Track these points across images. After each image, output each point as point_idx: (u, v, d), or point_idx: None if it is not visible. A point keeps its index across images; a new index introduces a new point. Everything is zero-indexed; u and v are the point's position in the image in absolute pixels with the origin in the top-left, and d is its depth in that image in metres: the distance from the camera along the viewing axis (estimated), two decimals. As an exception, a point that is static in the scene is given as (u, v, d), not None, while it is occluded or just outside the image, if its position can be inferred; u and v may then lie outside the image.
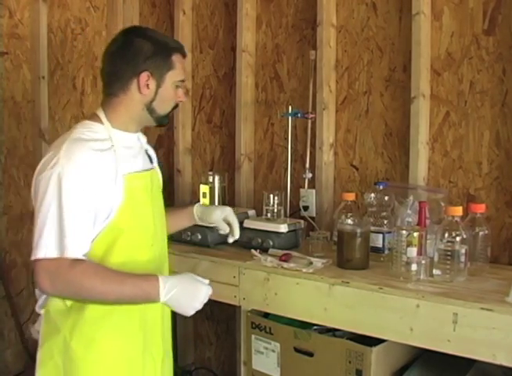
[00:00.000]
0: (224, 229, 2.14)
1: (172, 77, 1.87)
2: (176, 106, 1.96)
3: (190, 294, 1.76)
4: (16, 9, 3.27)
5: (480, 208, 2.13)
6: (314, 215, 2.85)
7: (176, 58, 1.88)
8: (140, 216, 1.86)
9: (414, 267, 2.02)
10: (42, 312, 1.85)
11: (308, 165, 2.86)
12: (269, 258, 2.30)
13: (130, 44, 1.84)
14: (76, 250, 1.69)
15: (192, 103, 3.40)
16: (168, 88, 1.87)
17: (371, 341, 2.05)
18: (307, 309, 2.16)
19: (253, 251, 2.38)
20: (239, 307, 2.39)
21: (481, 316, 1.76)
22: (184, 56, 1.93)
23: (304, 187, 2.87)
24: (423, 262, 2.03)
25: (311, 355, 2.20)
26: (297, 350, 2.24)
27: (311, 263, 2.24)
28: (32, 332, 1.97)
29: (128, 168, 1.82)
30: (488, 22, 2.39)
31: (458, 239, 2.01)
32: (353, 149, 2.80)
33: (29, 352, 3.37)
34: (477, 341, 1.77)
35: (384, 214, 2.39)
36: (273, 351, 2.31)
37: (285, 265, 2.24)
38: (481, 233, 2.12)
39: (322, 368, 2.17)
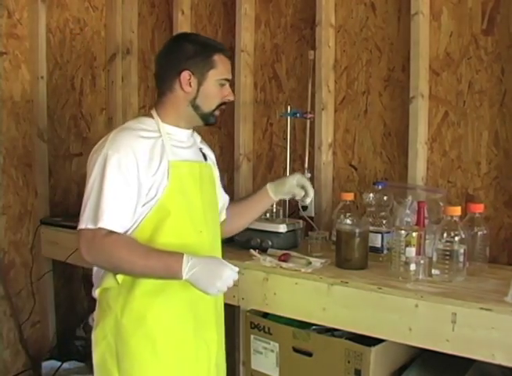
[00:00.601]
0: (299, 194, 2.28)
1: (214, 75, 2.00)
2: (222, 104, 2.06)
3: (212, 272, 1.83)
4: (15, 8, 3.27)
5: (478, 208, 2.13)
6: (313, 215, 2.85)
7: (218, 58, 2.01)
8: (187, 200, 1.97)
9: (413, 267, 2.02)
10: (97, 294, 1.99)
11: (306, 165, 2.86)
12: (268, 258, 2.30)
13: (175, 47, 2.04)
14: (113, 223, 1.84)
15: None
16: (211, 86, 2.00)
17: (370, 341, 2.05)
18: (306, 309, 2.16)
19: (252, 251, 2.38)
20: (238, 307, 2.38)
21: (480, 316, 1.76)
22: (227, 56, 2.05)
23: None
24: (422, 261, 2.02)
25: (310, 355, 2.20)
26: (296, 350, 2.24)
27: (310, 263, 2.24)
28: (89, 320, 2.12)
29: (175, 155, 1.97)
30: (486, 22, 2.39)
31: (457, 239, 2.01)
32: (352, 149, 2.80)
33: (27, 352, 3.37)
34: (476, 341, 1.76)
35: (383, 214, 2.38)
36: (272, 351, 2.31)
37: (284, 265, 2.24)
38: (479, 233, 2.12)
39: (321, 368, 2.17)
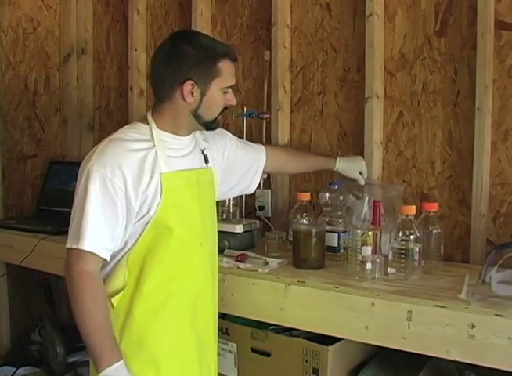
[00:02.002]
0: (359, 180, 2.43)
1: (218, 84, 1.87)
2: (225, 109, 1.94)
3: None
4: (-34, 7, 3.21)
5: (433, 207, 2.16)
6: (269, 215, 2.85)
7: (223, 64, 1.86)
8: (183, 214, 1.88)
9: (369, 266, 2.03)
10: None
11: (263, 165, 2.86)
12: (225, 259, 2.29)
13: (175, 50, 1.86)
14: (94, 245, 1.73)
15: (146, 104, 3.37)
16: (214, 96, 1.88)
17: (327, 340, 2.06)
18: (263, 310, 2.15)
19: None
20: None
21: (434, 313, 1.78)
22: (233, 60, 1.91)
23: (259, 187, 2.87)
24: (378, 260, 2.04)
25: (268, 355, 2.20)
26: (254, 350, 2.24)
27: (267, 263, 2.24)
28: None
29: (168, 167, 1.84)
30: (439, 23, 2.42)
31: (412, 237, 2.04)
32: (308, 149, 2.81)
33: None
34: (432, 338, 1.78)
35: (339, 213, 2.40)
36: (230, 352, 2.30)
37: (241, 265, 2.24)
38: (434, 232, 2.14)
39: (279, 368, 2.17)
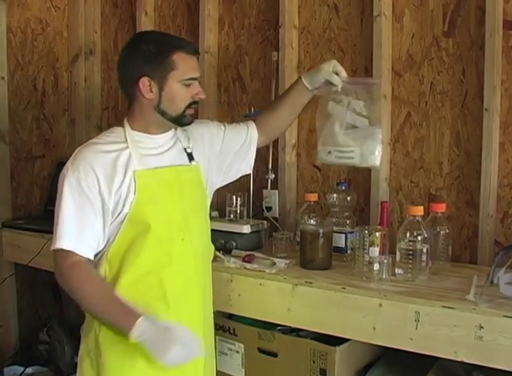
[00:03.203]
0: (336, 81, 2.02)
1: (176, 77, 1.86)
2: (193, 103, 1.92)
3: (159, 349, 1.71)
4: (-26, 8, 3.22)
5: (441, 208, 2.15)
6: (277, 216, 2.85)
7: (178, 57, 1.85)
8: (159, 210, 1.88)
9: (376, 267, 2.03)
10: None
11: (270, 166, 2.86)
12: (232, 259, 2.29)
13: (129, 50, 1.91)
14: (75, 245, 1.79)
15: (154, 104, 3.38)
16: (173, 89, 1.87)
17: (335, 341, 2.06)
18: (270, 310, 2.16)
19: (216, 252, 2.37)
20: (203, 308, 2.37)
21: (442, 314, 1.78)
22: (190, 52, 1.89)
23: (267, 188, 2.88)
24: (386, 261, 2.04)
25: (275, 355, 2.20)
26: (261, 351, 2.24)
27: (274, 264, 2.25)
28: (81, 330, 2.01)
29: (143, 164, 1.86)
30: (447, 24, 2.41)
31: (419, 238, 2.03)
32: (315, 149, 2.79)
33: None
34: (439, 339, 1.78)
35: (347, 214, 2.40)
36: (237, 352, 2.31)
37: (248, 266, 2.24)
38: (442, 232, 2.14)
39: (286, 368, 2.17)
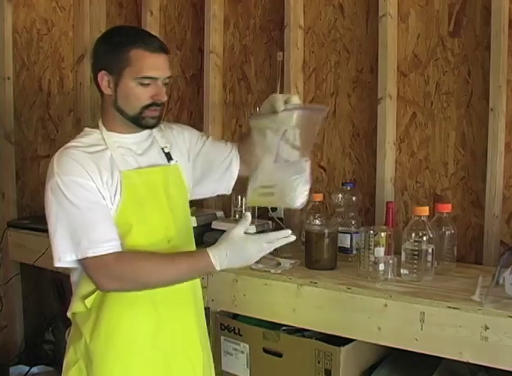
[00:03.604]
0: (278, 108, 1.73)
1: (131, 74, 1.75)
2: (153, 105, 1.80)
3: (241, 258, 1.73)
4: (-20, 9, 3.23)
5: (446, 208, 2.15)
6: (282, 216, 2.84)
7: (135, 53, 1.74)
8: (146, 212, 1.82)
9: (382, 267, 2.03)
10: (69, 316, 1.88)
11: (276, 166, 2.86)
12: (238, 259, 2.29)
13: (96, 44, 1.84)
14: (109, 243, 1.71)
15: (159, 105, 3.38)
16: (128, 86, 1.77)
17: (340, 341, 2.06)
18: (275, 310, 2.16)
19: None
20: (208, 308, 2.37)
21: (447, 315, 1.78)
22: (152, 50, 1.76)
23: (272, 188, 2.87)
24: (391, 261, 2.04)
25: (280, 355, 2.20)
26: (266, 351, 2.24)
27: (279, 264, 2.25)
28: (66, 336, 1.99)
29: (126, 165, 1.81)
30: (453, 24, 2.41)
31: (425, 238, 2.03)
32: (320, 150, 2.81)
33: None
34: (444, 340, 1.78)
35: (352, 214, 2.39)
36: (242, 352, 2.30)
37: (253, 266, 2.24)
38: (447, 233, 2.14)
39: (291, 369, 2.17)
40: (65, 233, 1.72)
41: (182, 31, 3.31)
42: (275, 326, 2.23)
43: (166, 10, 3.37)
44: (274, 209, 2.82)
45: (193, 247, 2.02)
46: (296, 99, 1.76)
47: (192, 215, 2.10)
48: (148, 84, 1.77)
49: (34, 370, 3.20)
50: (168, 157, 1.94)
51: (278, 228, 2.70)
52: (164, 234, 1.86)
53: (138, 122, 1.82)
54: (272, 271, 2.18)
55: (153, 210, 1.84)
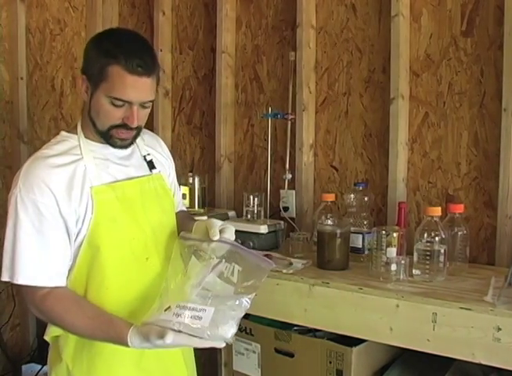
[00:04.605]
0: (212, 236, 1.62)
1: (104, 90, 1.63)
2: (122, 126, 1.68)
3: (157, 341, 1.50)
4: (-6, 9, 3.25)
5: (458, 208, 2.15)
6: (294, 216, 2.85)
7: (115, 71, 1.60)
8: (120, 229, 1.70)
9: (394, 267, 2.03)
10: (47, 339, 1.80)
11: (287, 166, 2.86)
12: (249, 259, 2.29)
13: (86, 45, 1.73)
14: (36, 277, 1.61)
15: (171, 104, 3.40)
16: (99, 101, 1.64)
17: (351, 342, 2.06)
18: (287, 310, 2.16)
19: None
20: (220, 308, 2.38)
21: (460, 316, 1.77)
22: (131, 70, 1.60)
23: (284, 188, 2.88)
24: (403, 262, 2.03)
25: (291, 355, 2.20)
26: (277, 351, 2.24)
27: (291, 264, 2.25)
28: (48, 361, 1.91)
29: (100, 179, 1.69)
30: (466, 24, 2.40)
31: (437, 239, 2.03)
32: (333, 150, 2.80)
33: (7, 355, 3.34)
34: (457, 340, 1.78)
35: (364, 214, 2.39)
36: (254, 352, 2.31)
37: (265, 266, 2.24)
38: (459, 233, 2.13)
39: (302, 369, 2.17)
40: (8, 249, 1.62)
41: (195, 31, 3.31)
42: (286, 326, 2.23)
43: (178, 10, 3.37)
44: (286, 209, 2.83)
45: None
46: (230, 233, 1.66)
47: (203, 215, 2.09)
48: (121, 105, 1.64)
49: (46, 368, 3.21)
50: (150, 165, 1.85)
51: (290, 228, 2.71)
52: (141, 252, 1.74)
53: (106, 139, 1.72)
54: (284, 271, 2.18)
55: (129, 226, 1.73)
